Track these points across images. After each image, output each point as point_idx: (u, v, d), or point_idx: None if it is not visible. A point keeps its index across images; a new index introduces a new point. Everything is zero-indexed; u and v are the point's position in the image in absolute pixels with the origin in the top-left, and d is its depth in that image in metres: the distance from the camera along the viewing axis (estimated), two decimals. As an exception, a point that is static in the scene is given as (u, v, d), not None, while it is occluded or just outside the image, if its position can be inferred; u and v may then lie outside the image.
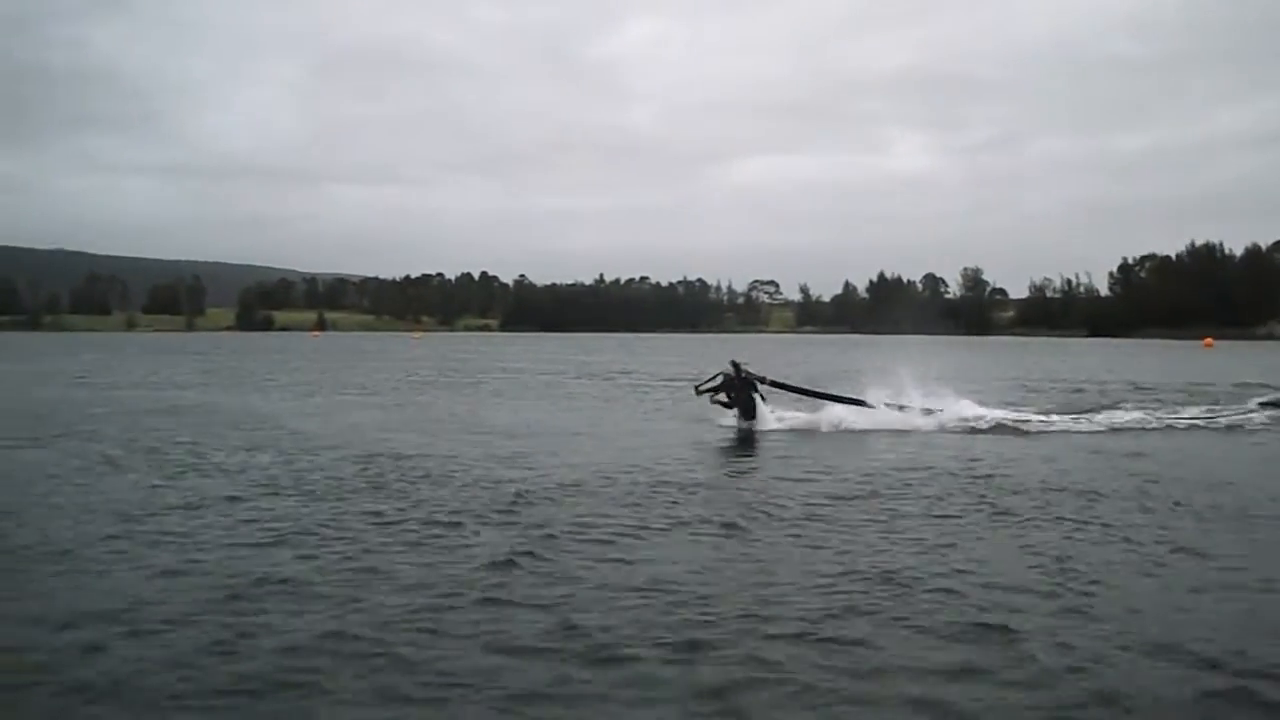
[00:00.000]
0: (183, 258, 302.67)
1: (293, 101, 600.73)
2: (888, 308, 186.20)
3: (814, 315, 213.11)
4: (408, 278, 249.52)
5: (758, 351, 64.56)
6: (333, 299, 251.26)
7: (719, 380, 18.64)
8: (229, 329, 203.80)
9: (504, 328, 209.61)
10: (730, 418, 18.38)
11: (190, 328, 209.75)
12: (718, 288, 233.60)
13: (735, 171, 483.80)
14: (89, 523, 8.82)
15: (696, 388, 19.21)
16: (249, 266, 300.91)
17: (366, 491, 10.55)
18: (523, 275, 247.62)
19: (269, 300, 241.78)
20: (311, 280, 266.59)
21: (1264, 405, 21.26)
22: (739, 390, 18.42)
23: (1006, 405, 20.81)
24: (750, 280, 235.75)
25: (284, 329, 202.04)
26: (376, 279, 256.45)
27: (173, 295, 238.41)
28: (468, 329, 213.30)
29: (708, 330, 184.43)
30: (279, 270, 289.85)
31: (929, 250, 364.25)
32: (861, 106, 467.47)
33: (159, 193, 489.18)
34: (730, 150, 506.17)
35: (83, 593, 6.52)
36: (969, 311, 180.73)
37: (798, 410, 19.07)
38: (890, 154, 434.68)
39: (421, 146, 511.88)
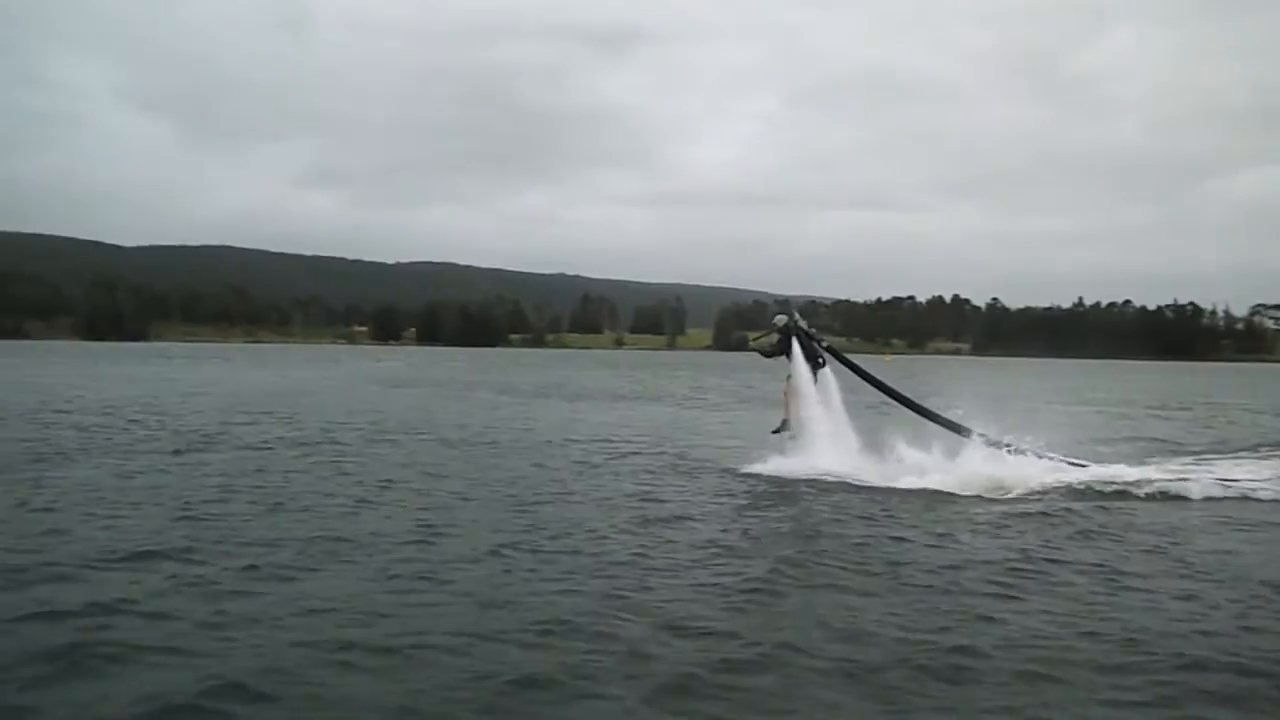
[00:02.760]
0: (666, 280, 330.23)
1: (772, 132, 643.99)
2: None
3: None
4: (879, 300, 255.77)
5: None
6: (810, 322, 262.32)
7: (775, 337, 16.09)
8: (706, 348, 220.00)
9: (975, 352, 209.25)
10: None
11: (671, 346, 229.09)
12: (1213, 312, 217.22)
13: (1236, 184, 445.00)
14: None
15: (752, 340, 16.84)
16: (726, 289, 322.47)
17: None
18: (995, 298, 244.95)
19: (743, 321, 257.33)
20: (784, 302, 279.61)
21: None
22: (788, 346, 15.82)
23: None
24: (1252, 304, 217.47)
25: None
26: (848, 301, 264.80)
27: (656, 316, 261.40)
28: (938, 352, 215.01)
29: (1200, 358, 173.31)
30: (753, 292, 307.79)
31: None
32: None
33: (647, 220, 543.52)
34: (1229, 162, 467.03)
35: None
36: None
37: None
38: None
39: (897, 170, 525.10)
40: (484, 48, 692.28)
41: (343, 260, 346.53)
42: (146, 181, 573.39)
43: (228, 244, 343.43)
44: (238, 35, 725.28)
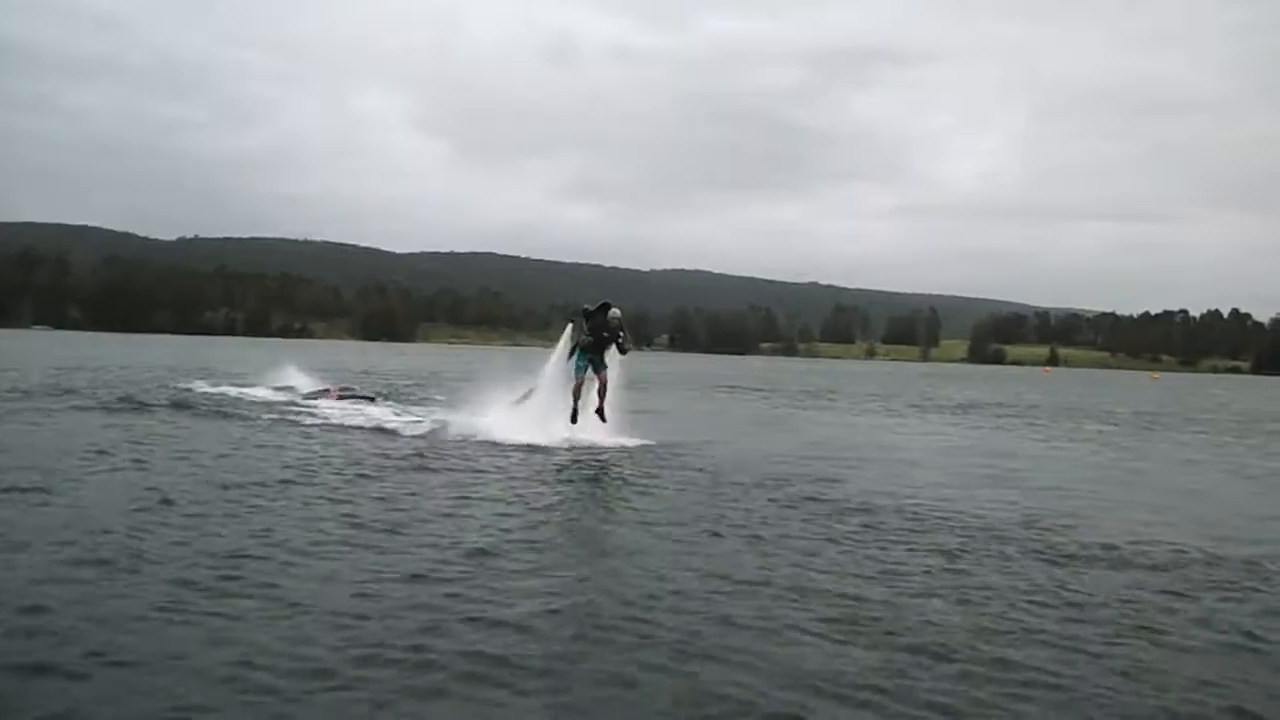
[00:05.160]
0: (919, 291, 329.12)
1: (1022, 145, 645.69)
2: None
3: None
4: (1146, 314, 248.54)
5: None
6: (1065, 335, 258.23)
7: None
8: (961, 361, 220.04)
9: (1256, 370, 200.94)
10: None
11: (924, 358, 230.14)
12: None
13: None
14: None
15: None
16: (982, 300, 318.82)
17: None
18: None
19: (1000, 334, 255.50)
20: (1044, 315, 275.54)
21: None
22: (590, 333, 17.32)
23: None
24: None
25: (1015, 363, 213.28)
26: (1112, 315, 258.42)
27: (910, 326, 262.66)
28: (1214, 370, 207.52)
29: None
30: (1011, 304, 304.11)
31: None
32: None
33: (900, 232, 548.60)
34: None
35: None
36: None
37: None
38: None
39: (1157, 182, 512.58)
40: (738, 72, 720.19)
41: (599, 267, 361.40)
42: (423, 196, 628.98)
43: (491, 251, 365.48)
44: (512, 66, 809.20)
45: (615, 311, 17.18)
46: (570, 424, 16.72)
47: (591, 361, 16.92)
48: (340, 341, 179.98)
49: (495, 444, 15.66)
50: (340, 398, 23.00)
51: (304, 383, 26.15)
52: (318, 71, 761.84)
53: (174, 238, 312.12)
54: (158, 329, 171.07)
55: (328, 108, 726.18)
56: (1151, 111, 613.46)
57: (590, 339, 17.01)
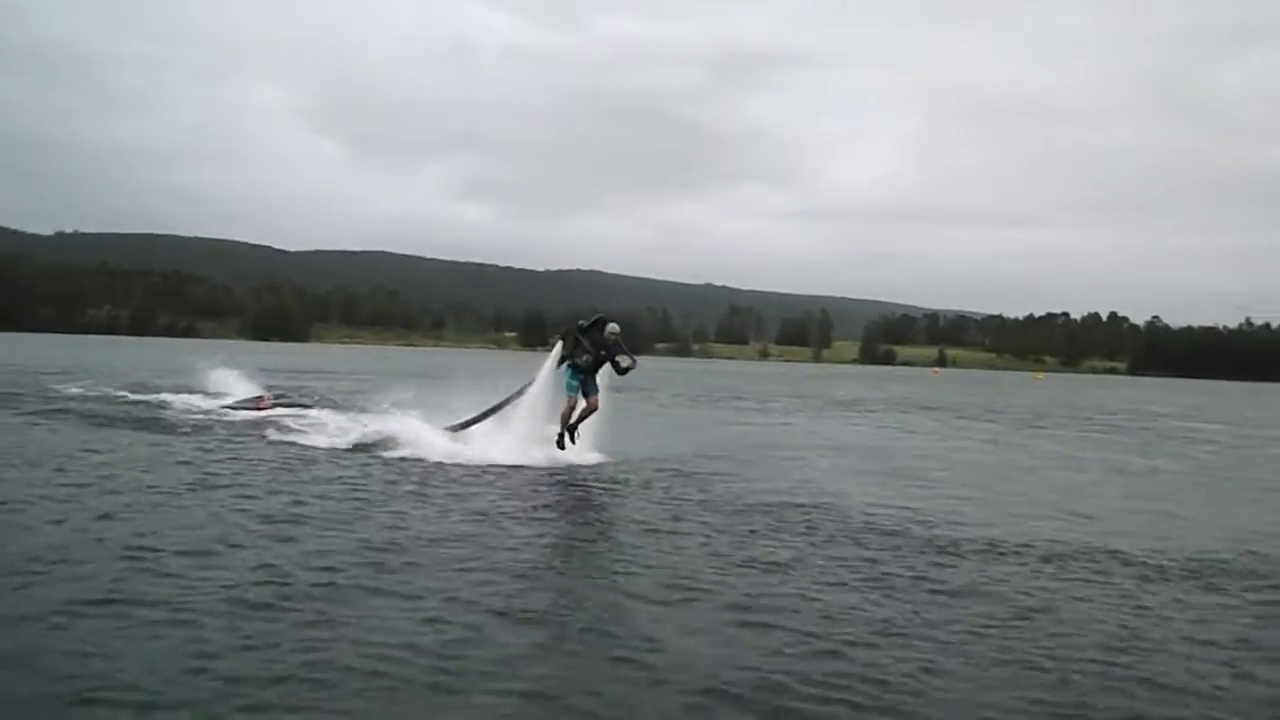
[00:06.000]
0: (812, 293, 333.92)
1: (914, 150, 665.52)
2: None
3: None
4: (1030, 317, 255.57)
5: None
6: (954, 336, 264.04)
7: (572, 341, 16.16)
8: (853, 362, 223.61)
9: (1132, 371, 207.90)
10: None
11: (816, 359, 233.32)
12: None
13: None
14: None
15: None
16: (873, 302, 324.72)
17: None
18: (1156, 316, 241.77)
19: (890, 335, 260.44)
20: (933, 317, 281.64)
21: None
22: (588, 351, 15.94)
23: None
24: None
25: (905, 364, 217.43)
26: (999, 317, 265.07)
27: (802, 328, 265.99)
28: (1093, 371, 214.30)
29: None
30: (901, 306, 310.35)
31: None
32: None
33: (794, 234, 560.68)
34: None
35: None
36: None
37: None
38: None
39: (1044, 189, 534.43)
40: (635, 73, 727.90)
41: (494, 267, 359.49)
42: (316, 193, 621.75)
43: (385, 250, 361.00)
44: (406, 62, 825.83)
45: (613, 327, 15.92)
46: (558, 449, 15.44)
47: (584, 383, 15.68)
48: (231, 341, 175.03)
49: (439, 457, 14.90)
50: (274, 405, 21.97)
51: (234, 388, 24.88)
52: (206, 62, 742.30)
53: (51, 232, 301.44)
54: (35, 327, 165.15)
55: (216, 100, 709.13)
56: (1039, 119, 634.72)
57: (590, 357, 15.68)
